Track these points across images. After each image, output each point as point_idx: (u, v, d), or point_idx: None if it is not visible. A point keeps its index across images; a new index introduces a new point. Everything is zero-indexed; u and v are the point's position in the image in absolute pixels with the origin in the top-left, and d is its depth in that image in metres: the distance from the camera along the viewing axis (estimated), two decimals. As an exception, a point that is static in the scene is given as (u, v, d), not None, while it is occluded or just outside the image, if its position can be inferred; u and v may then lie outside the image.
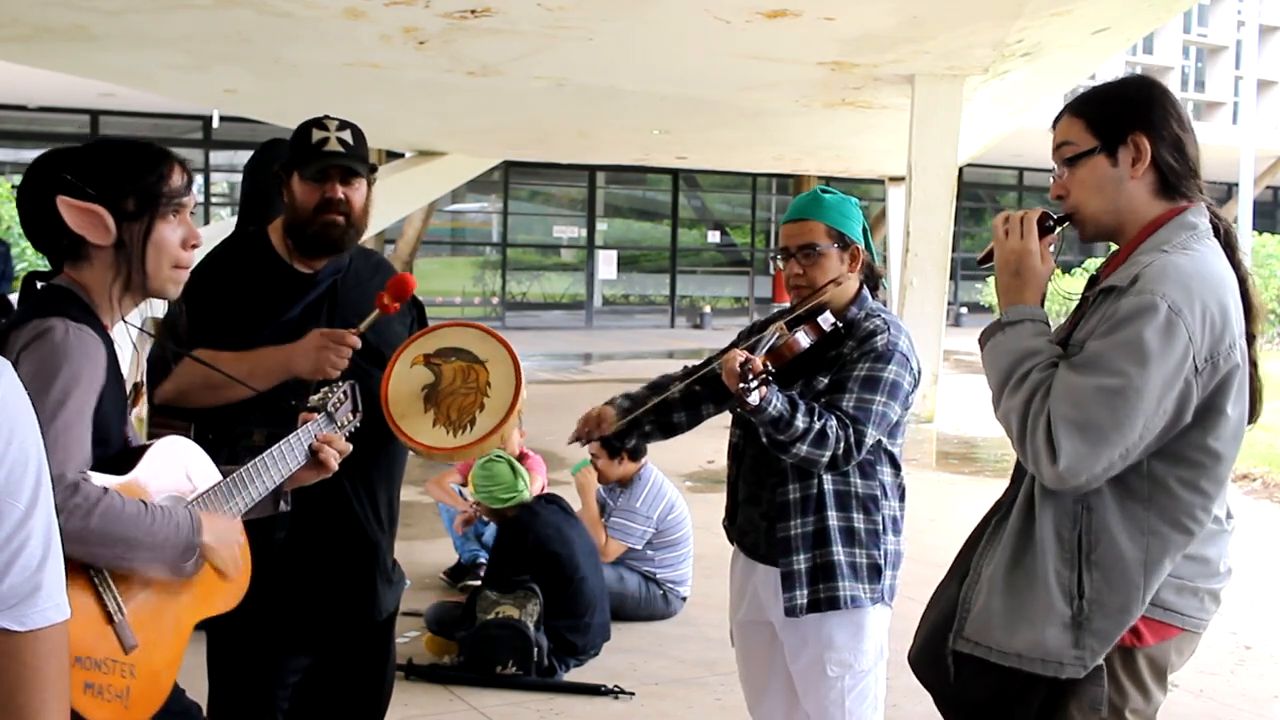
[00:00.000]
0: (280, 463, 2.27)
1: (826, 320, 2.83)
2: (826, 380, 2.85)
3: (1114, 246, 2.26)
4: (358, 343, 2.73)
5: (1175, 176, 2.13)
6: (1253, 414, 2.15)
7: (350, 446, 2.44)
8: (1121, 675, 2.12)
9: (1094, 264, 12.73)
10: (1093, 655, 2.08)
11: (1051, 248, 2.23)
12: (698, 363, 3.15)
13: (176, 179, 2.10)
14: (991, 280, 20.66)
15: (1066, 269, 14.90)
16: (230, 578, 2.17)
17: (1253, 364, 2.13)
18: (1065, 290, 2.45)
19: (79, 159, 2.08)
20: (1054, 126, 2.23)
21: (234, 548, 2.17)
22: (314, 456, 2.35)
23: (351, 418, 2.46)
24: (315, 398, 2.41)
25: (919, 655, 2.33)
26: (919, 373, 2.92)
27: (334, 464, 2.39)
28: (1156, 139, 2.12)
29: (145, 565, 1.96)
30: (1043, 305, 2.22)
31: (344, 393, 2.43)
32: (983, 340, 2.22)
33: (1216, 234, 2.15)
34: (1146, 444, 2.02)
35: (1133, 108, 2.14)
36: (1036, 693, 2.13)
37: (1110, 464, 2.00)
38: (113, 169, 2.06)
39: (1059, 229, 2.23)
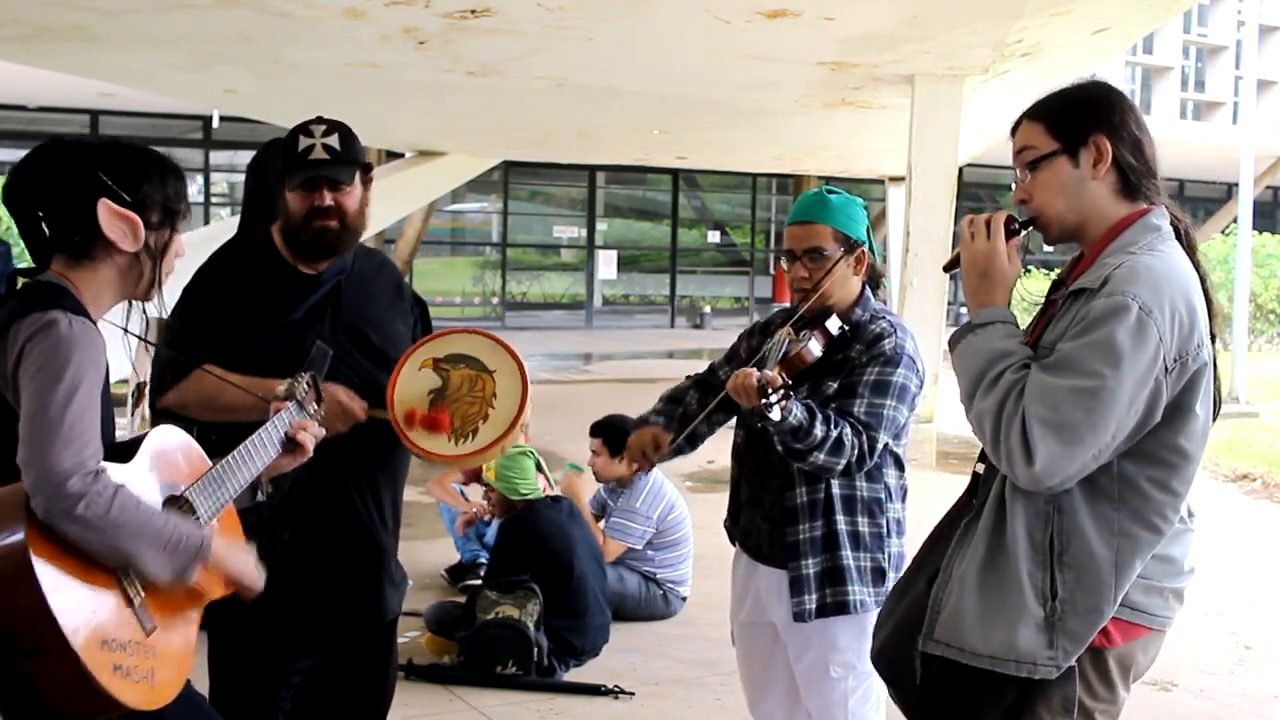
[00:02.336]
0: (261, 451, 2.29)
1: (834, 325, 2.82)
2: (835, 385, 2.84)
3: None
4: (363, 418, 2.78)
5: (1136, 176, 2.18)
6: (1214, 412, 2.18)
7: (324, 431, 2.45)
8: (1091, 675, 2.15)
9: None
10: (1065, 656, 2.10)
11: (1018, 250, 2.25)
12: (701, 370, 3.14)
13: (186, 193, 2.21)
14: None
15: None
16: (248, 587, 2.20)
17: (1214, 363, 2.16)
18: (1028, 291, 2.45)
19: (110, 162, 2.11)
20: (1012, 134, 2.27)
21: (246, 555, 2.21)
22: (290, 443, 2.37)
23: (317, 406, 2.48)
24: (283, 388, 2.43)
25: (880, 652, 2.34)
26: (925, 373, 2.92)
27: (311, 447, 2.40)
28: (1116, 139, 2.16)
29: (155, 563, 1.97)
30: (1009, 307, 2.24)
31: (308, 383, 2.45)
32: (953, 343, 2.23)
33: (1178, 235, 2.19)
34: (1118, 444, 2.05)
35: (1092, 110, 2.19)
36: (1006, 693, 2.14)
37: (1084, 464, 2.03)
38: (146, 179, 2.13)
39: (1024, 232, 2.25)
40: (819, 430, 2.66)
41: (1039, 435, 2.00)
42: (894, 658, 2.27)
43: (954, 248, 2.48)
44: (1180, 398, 2.07)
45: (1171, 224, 2.20)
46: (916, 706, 2.28)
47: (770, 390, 2.55)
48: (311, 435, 2.40)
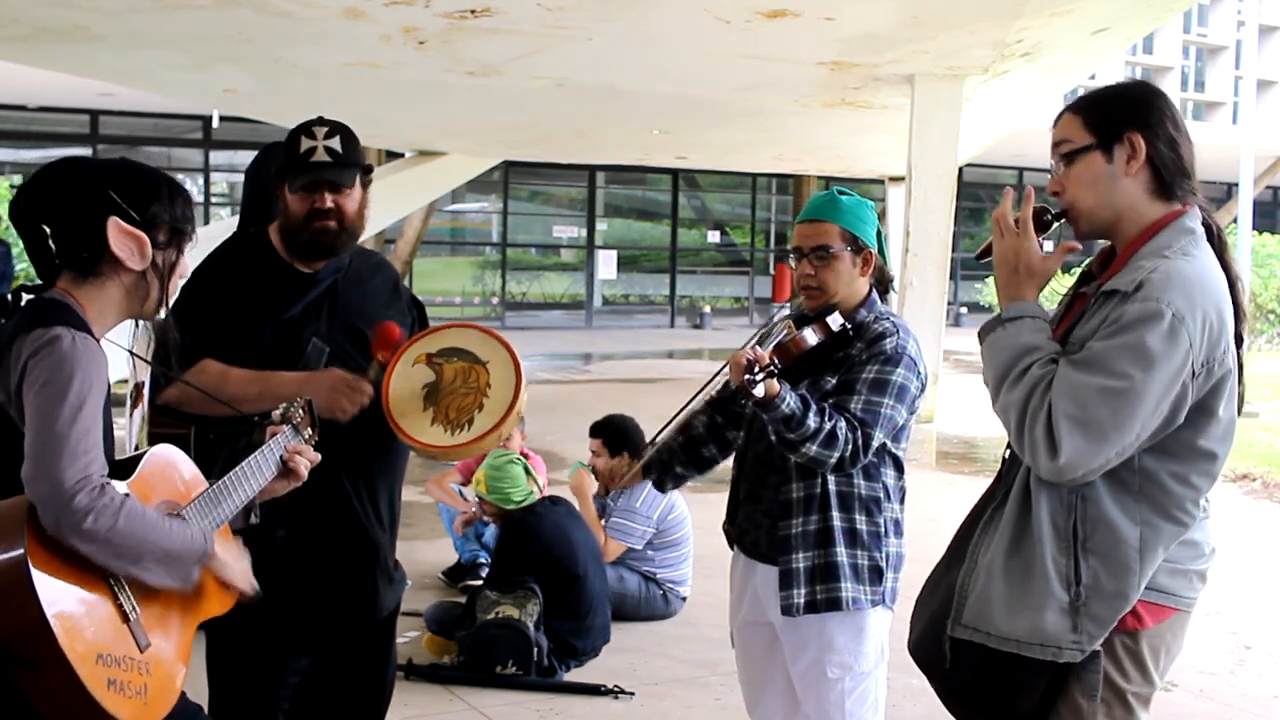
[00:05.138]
0: (257, 473, 2.29)
1: (835, 321, 2.83)
2: (834, 381, 2.85)
3: (1101, 242, 2.32)
4: (370, 395, 2.78)
5: (1169, 175, 2.19)
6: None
7: (319, 456, 2.44)
8: (1124, 658, 2.19)
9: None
10: (1090, 639, 2.15)
11: (1049, 243, 2.28)
12: (706, 381, 3.15)
13: (193, 215, 2.23)
14: (992, 280, 20.66)
15: (1066, 269, 14.87)
16: (244, 591, 2.21)
17: (1239, 365, 2.21)
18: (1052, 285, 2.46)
19: (120, 181, 2.12)
20: (1054, 126, 2.28)
21: (244, 562, 2.22)
22: (284, 467, 2.37)
23: (312, 432, 2.47)
24: (278, 412, 2.42)
25: (919, 643, 2.38)
26: (926, 377, 2.92)
27: (304, 473, 2.40)
28: (1151, 138, 2.18)
29: (160, 572, 2.00)
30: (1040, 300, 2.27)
31: (303, 408, 2.45)
32: (982, 335, 2.27)
33: (1210, 237, 2.21)
34: (1141, 442, 2.10)
35: (1129, 107, 2.21)
36: (1039, 679, 2.19)
37: (1107, 460, 2.08)
38: (155, 199, 2.14)
39: (1056, 224, 2.27)
40: (812, 421, 2.67)
41: (1065, 430, 2.05)
42: (930, 646, 2.31)
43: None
44: (1204, 401, 2.12)
45: (1204, 224, 2.21)
46: (954, 693, 2.32)
47: (757, 368, 2.57)
48: (306, 460, 2.40)
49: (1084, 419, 2.05)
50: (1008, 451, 2.33)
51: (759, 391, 2.59)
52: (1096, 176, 2.20)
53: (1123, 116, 2.20)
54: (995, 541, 2.22)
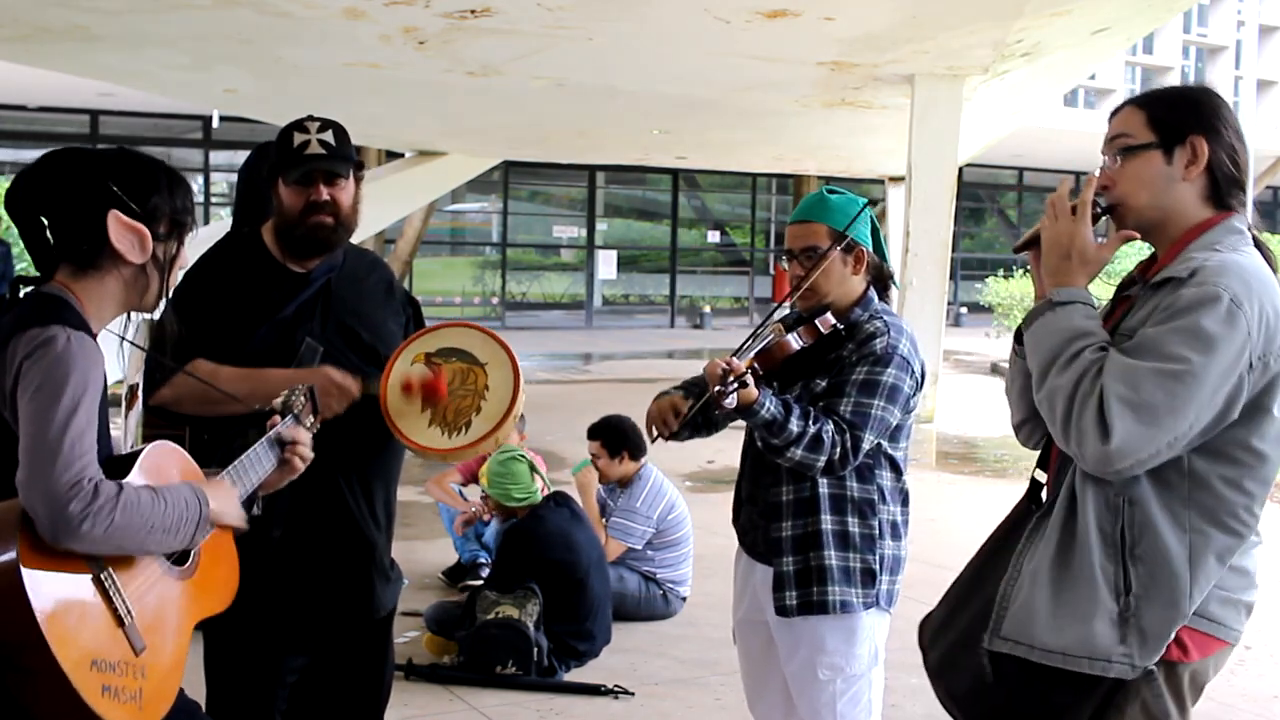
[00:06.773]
0: (258, 464, 2.28)
1: (825, 322, 2.81)
2: (825, 383, 2.84)
3: (1145, 248, 2.25)
4: (358, 393, 2.78)
5: (1226, 184, 2.15)
6: None
7: (311, 455, 2.41)
8: (1165, 689, 2.09)
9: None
10: (1141, 654, 2.05)
11: (1100, 237, 2.20)
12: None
13: (193, 205, 2.20)
14: (991, 280, 20.63)
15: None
16: (237, 526, 2.20)
17: None
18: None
19: (120, 172, 2.09)
20: (1111, 118, 2.23)
21: (235, 503, 2.19)
22: (282, 458, 2.35)
23: (314, 420, 2.45)
24: (279, 401, 2.40)
25: (939, 666, 2.27)
26: (922, 375, 2.89)
27: (301, 466, 2.38)
28: (1215, 145, 2.13)
29: (162, 547, 2.00)
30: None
31: (305, 396, 2.44)
32: (1029, 320, 2.18)
33: (1255, 244, 2.16)
34: (1193, 435, 2.01)
35: (1197, 111, 2.15)
36: (1084, 704, 2.08)
37: (1158, 449, 1.99)
38: (156, 191, 2.11)
39: (1101, 217, 2.20)
40: (794, 425, 2.65)
41: (1118, 413, 1.96)
42: (956, 669, 2.21)
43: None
44: (1258, 398, 2.03)
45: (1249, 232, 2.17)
46: (986, 717, 2.19)
47: (731, 377, 2.55)
48: (301, 455, 2.37)
49: (1138, 402, 1.95)
50: (1040, 473, 2.24)
51: (730, 402, 2.56)
52: (1154, 176, 2.13)
53: (1188, 119, 2.13)
54: (1041, 548, 2.11)
